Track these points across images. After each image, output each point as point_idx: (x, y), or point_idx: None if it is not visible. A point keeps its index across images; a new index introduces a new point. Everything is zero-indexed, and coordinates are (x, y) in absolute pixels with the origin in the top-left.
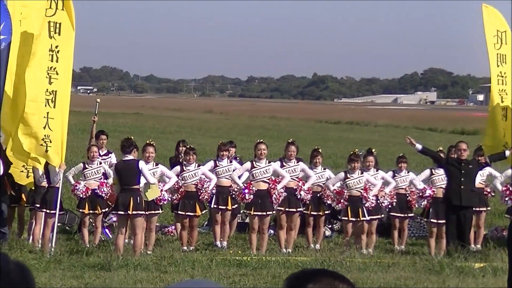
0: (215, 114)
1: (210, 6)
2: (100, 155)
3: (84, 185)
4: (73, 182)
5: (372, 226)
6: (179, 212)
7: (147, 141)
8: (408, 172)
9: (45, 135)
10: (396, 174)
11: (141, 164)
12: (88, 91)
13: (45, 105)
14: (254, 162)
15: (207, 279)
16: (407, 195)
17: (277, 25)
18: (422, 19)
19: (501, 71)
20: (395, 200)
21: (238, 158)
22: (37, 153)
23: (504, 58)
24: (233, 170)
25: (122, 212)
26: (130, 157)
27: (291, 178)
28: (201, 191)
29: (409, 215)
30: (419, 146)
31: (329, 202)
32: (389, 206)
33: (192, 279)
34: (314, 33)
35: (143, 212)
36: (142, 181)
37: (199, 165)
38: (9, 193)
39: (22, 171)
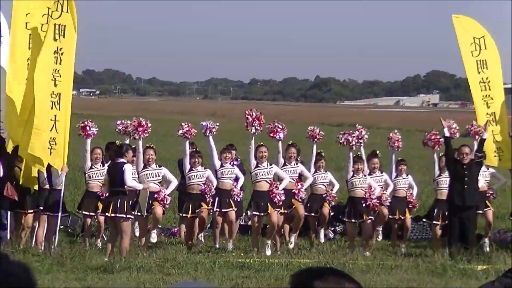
0: (218, 117)
1: (212, 9)
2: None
3: None
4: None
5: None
6: (183, 214)
7: (147, 145)
8: (407, 175)
9: (51, 138)
10: (396, 177)
11: (126, 166)
12: (91, 94)
13: (51, 108)
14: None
15: (201, 281)
16: (407, 197)
17: (279, 28)
18: (424, 21)
19: (482, 77)
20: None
21: (239, 160)
22: (42, 156)
23: (484, 64)
24: (235, 176)
25: (104, 215)
26: (121, 159)
27: (290, 180)
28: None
29: (409, 217)
30: (446, 132)
31: (333, 203)
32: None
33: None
34: (317, 36)
35: (123, 216)
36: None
37: (205, 168)
38: (14, 198)
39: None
